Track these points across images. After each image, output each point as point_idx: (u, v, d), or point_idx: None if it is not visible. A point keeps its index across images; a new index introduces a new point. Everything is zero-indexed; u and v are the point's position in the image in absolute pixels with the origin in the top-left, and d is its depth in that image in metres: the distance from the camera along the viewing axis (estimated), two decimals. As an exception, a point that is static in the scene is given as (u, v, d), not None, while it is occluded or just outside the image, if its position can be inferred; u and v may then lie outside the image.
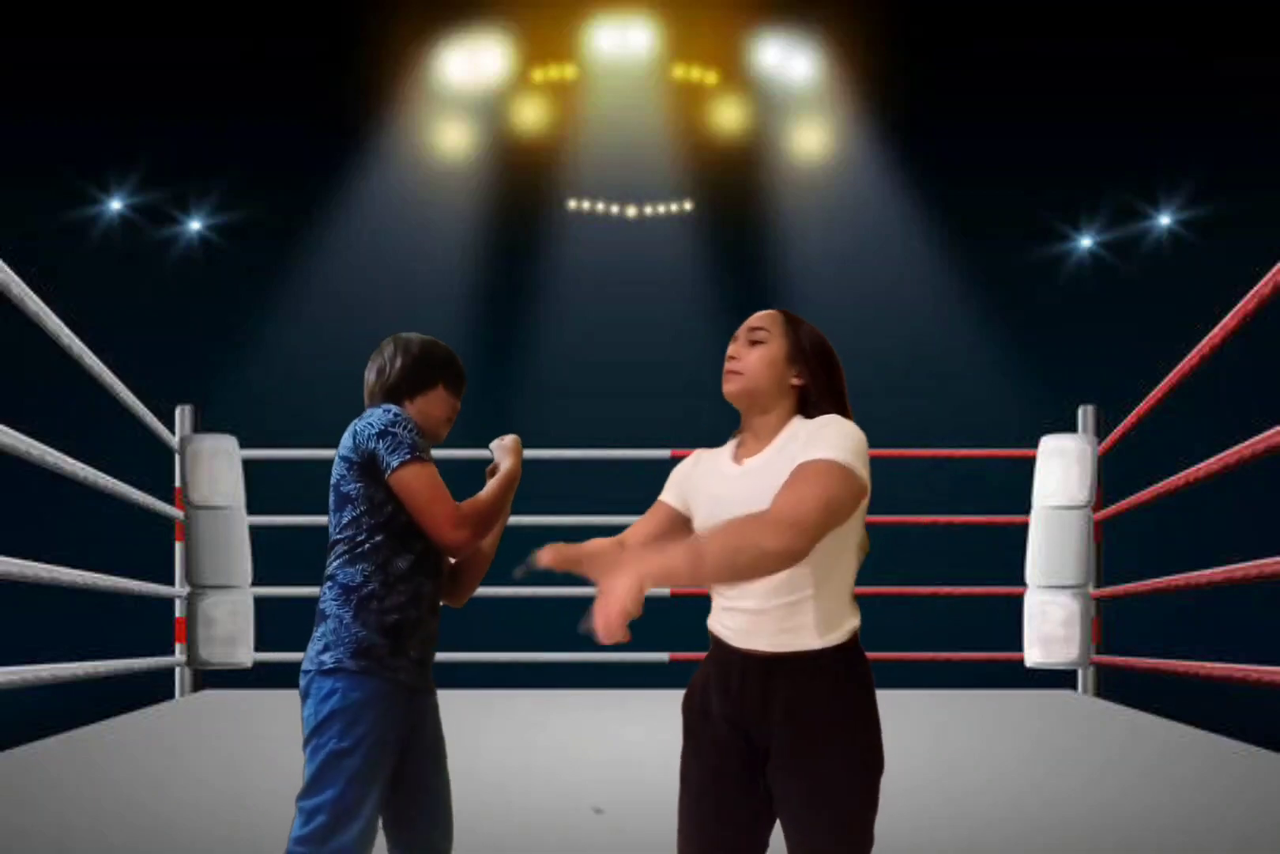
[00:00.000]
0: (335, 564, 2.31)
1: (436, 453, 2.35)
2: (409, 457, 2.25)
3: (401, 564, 2.29)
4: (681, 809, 2.01)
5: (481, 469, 2.46)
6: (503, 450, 2.47)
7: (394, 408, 2.32)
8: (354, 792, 2.20)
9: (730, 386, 2.00)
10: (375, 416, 2.30)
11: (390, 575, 2.28)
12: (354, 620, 2.26)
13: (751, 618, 1.94)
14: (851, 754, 1.92)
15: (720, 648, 2.00)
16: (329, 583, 2.31)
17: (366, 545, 2.28)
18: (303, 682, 2.29)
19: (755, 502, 1.87)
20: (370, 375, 2.43)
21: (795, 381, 2.00)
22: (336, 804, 2.19)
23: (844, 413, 1.99)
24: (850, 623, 1.95)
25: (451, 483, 2.31)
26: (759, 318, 2.04)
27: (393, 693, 2.26)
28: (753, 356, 1.99)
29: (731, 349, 2.02)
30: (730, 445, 2.07)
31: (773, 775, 1.95)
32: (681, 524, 2.07)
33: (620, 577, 1.71)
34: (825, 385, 2.00)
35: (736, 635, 1.97)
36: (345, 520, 2.31)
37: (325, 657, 2.25)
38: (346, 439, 2.32)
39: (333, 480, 2.33)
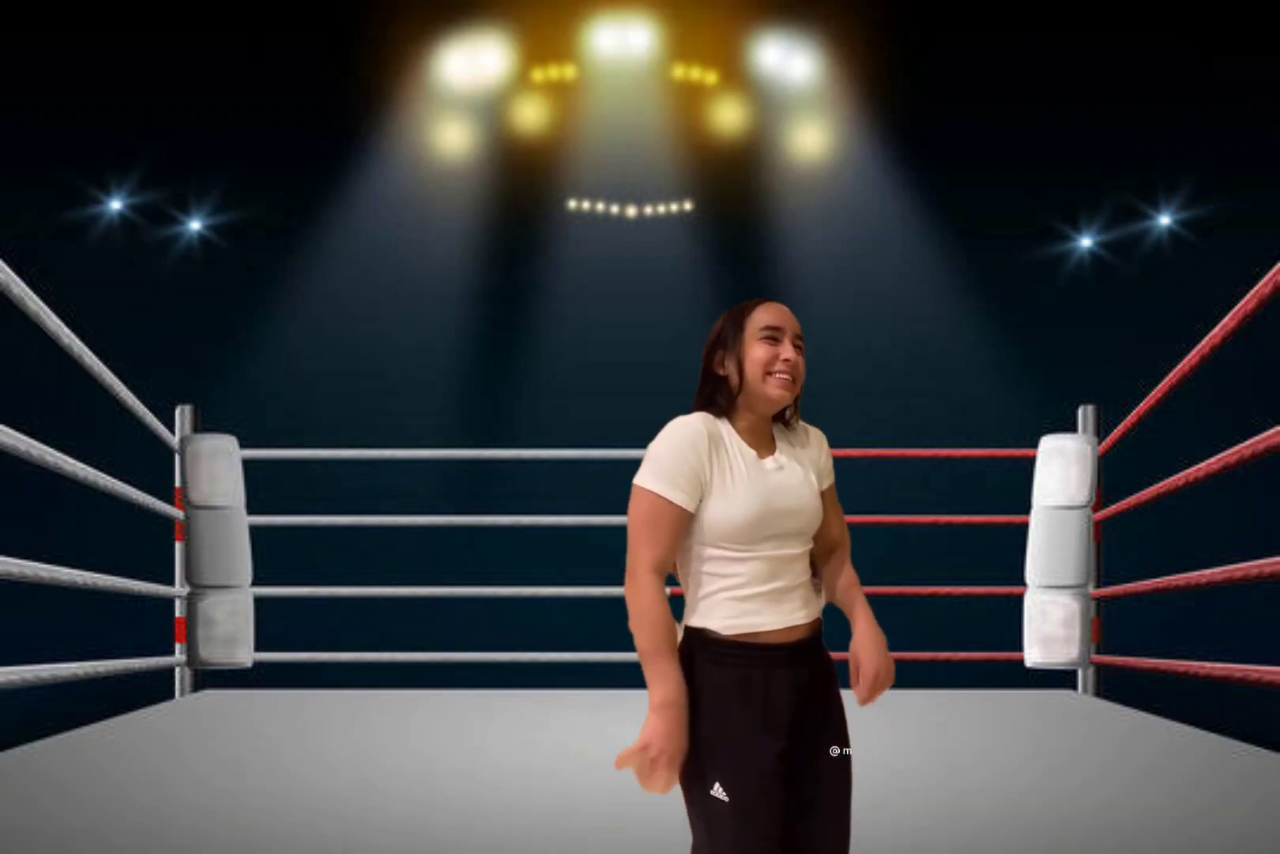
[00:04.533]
0: None
1: (434, 451, 2.33)
2: None
3: None
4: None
5: (479, 469, 2.43)
6: None
7: None
8: None
9: (791, 391, 2.03)
10: None
11: None
12: None
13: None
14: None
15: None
16: None
17: None
18: None
19: (800, 494, 2.03)
20: None
21: None
22: None
23: None
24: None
25: (448, 482, 2.30)
26: (797, 325, 2.06)
27: None
28: (800, 363, 2.04)
29: (788, 352, 2.02)
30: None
31: None
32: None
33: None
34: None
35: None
36: None
37: None
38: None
39: None
